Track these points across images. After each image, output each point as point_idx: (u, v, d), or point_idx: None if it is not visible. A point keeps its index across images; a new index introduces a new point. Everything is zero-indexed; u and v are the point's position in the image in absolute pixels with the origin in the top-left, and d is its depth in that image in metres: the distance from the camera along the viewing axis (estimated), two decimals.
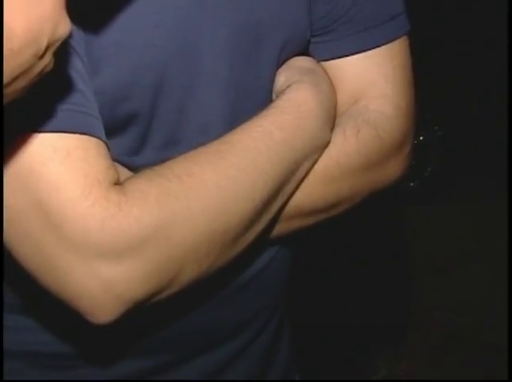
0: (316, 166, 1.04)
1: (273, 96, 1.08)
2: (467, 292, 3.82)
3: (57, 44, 0.68)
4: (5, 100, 0.68)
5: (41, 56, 0.67)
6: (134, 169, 0.98)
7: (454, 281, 3.90)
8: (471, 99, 4.60)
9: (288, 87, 1.05)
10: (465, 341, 3.51)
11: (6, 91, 0.66)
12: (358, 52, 1.10)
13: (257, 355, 1.22)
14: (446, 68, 4.49)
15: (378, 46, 1.10)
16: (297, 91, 1.04)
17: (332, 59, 1.11)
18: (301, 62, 1.10)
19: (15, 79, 0.66)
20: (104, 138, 0.90)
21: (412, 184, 4.53)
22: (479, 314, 3.65)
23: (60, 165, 0.85)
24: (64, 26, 0.68)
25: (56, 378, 1.11)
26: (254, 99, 1.06)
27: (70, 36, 0.88)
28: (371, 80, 1.10)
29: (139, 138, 1.01)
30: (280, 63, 1.08)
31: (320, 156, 1.04)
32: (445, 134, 4.57)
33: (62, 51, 0.87)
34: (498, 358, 3.38)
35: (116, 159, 0.93)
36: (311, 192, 1.05)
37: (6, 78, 0.65)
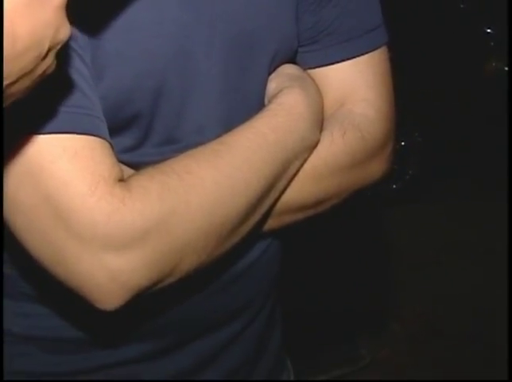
0: (305, 165, 1.05)
1: (266, 101, 1.09)
2: (445, 285, 3.83)
3: (58, 46, 0.69)
4: (9, 99, 0.69)
5: (43, 58, 0.68)
6: (134, 165, 0.98)
7: (432, 275, 3.91)
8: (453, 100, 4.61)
9: (279, 92, 1.06)
10: (442, 331, 3.53)
11: (11, 90, 0.67)
12: (342, 61, 1.11)
13: (250, 341, 1.22)
14: (427, 77, 4.50)
15: (360, 55, 1.11)
16: (288, 96, 1.05)
17: (318, 67, 1.12)
18: (290, 69, 1.11)
19: (19, 79, 0.67)
20: (109, 138, 0.91)
21: (394, 186, 4.54)
22: (455, 306, 3.67)
23: (69, 163, 0.86)
24: (65, 30, 0.69)
25: (64, 361, 1.11)
26: (247, 103, 1.07)
27: (77, 43, 0.89)
28: (354, 86, 1.11)
29: (139, 137, 1.01)
30: (271, 70, 1.09)
31: (309, 156, 1.05)
32: (424, 140, 4.58)
33: (69, 57, 0.88)
34: (472, 346, 3.40)
35: (117, 156, 0.93)
36: (300, 190, 1.06)
37: (11, 78, 0.66)
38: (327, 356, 3.28)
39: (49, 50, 0.68)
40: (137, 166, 0.98)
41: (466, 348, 3.39)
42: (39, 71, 0.69)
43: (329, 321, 3.41)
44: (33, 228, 0.88)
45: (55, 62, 0.71)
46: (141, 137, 1.01)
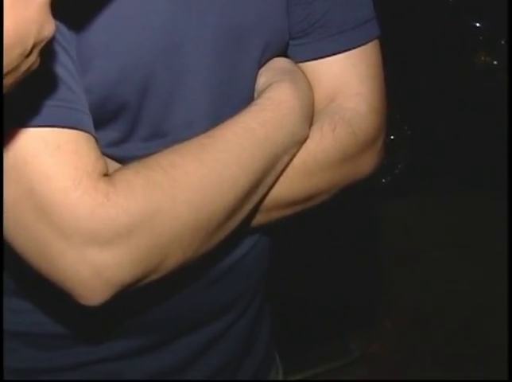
0: (294, 161, 1.03)
1: (255, 95, 1.07)
2: (436, 280, 3.84)
3: (43, 43, 0.69)
4: None
5: (28, 55, 0.67)
6: (121, 159, 0.97)
7: (422, 270, 3.91)
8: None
9: (269, 86, 1.04)
10: (432, 326, 3.53)
11: None
12: (333, 54, 1.09)
13: (238, 337, 1.21)
14: (417, 71, 4.49)
15: (352, 48, 1.09)
16: (278, 90, 1.03)
17: (309, 60, 1.10)
18: (281, 63, 1.09)
19: (3, 76, 0.66)
20: (93, 132, 0.89)
21: (384, 180, 4.54)
22: (446, 301, 3.67)
23: (52, 157, 0.84)
24: (49, 27, 0.68)
25: (49, 357, 1.09)
26: (236, 97, 1.05)
27: (62, 36, 0.87)
28: (346, 80, 1.09)
29: (126, 131, 0.99)
30: (261, 64, 1.07)
31: (298, 151, 1.03)
32: (413, 133, 4.58)
33: (54, 51, 0.86)
34: (462, 341, 3.41)
35: (103, 150, 0.92)
36: (289, 185, 1.04)
37: None
38: (317, 350, 3.28)
39: (34, 47, 0.68)
40: (123, 160, 0.96)
41: (456, 343, 3.39)
42: (23, 68, 0.68)
43: (319, 315, 3.40)
44: (16, 223, 0.87)
45: (39, 59, 0.70)
46: (128, 130, 1.00)
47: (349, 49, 1.09)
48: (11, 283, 1.06)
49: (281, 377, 1.37)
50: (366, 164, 1.10)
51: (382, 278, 3.77)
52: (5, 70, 0.66)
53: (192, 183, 0.90)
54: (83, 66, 0.91)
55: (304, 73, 1.09)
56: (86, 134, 0.87)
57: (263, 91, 1.04)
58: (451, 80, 4.57)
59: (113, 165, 0.95)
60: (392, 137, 4.48)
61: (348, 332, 3.42)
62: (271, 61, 1.09)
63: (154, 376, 1.13)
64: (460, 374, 3.17)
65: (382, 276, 3.79)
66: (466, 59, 4.58)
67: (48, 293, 0.93)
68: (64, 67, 0.88)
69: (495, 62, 4.54)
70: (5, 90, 0.69)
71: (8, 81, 0.68)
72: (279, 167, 1.01)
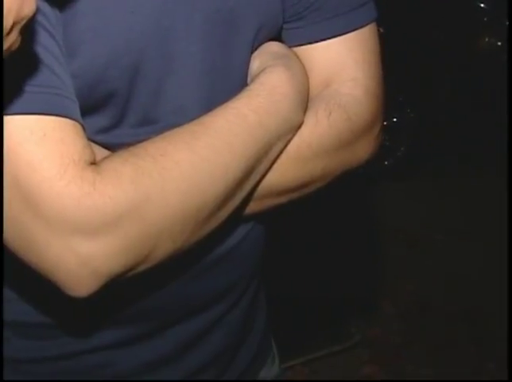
0: (288, 147, 1.01)
1: (248, 80, 1.05)
2: (436, 263, 3.83)
3: (23, 22, 0.67)
4: None
5: (8, 34, 0.66)
6: (110, 146, 0.95)
7: (424, 253, 3.91)
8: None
9: (262, 71, 1.02)
10: (433, 309, 3.53)
11: None
12: (329, 38, 1.07)
13: (233, 324, 1.19)
14: (420, 52, 4.46)
15: (348, 32, 1.07)
16: (271, 75, 1.01)
17: (304, 44, 1.08)
18: (275, 47, 1.07)
19: None
20: (80, 119, 0.87)
21: (386, 163, 4.52)
22: (447, 284, 3.67)
23: (37, 145, 0.82)
24: (30, 5, 0.67)
25: (40, 346, 1.08)
26: (229, 82, 1.03)
27: (47, 20, 0.85)
28: (342, 65, 1.07)
29: (116, 117, 0.98)
30: (254, 48, 1.05)
31: (292, 137, 1.01)
32: (417, 116, 4.56)
33: (39, 35, 0.84)
34: (459, 322, 3.41)
35: (93, 137, 0.90)
36: (283, 173, 1.02)
37: None
38: (317, 334, 3.27)
39: (14, 25, 0.66)
40: (113, 147, 0.94)
41: (457, 327, 3.39)
42: (4, 47, 0.66)
43: (319, 299, 3.40)
44: (2, 212, 0.84)
45: (19, 38, 0.69)
46: (118, 117, 0.98)
47: (345, 33, 1.06)
48: None
49: (276, 365, 1.36)
50: (362, 151, 1.08)
51: (383, 263, 3.76)
52: None
53: (181, 171, 0.88)
54: (71, 51, 0.89)
55: (298, 58, 1.07)
56: (72, 122, 0.85)
57: (257, 75, 1.02)
58: (455, 62, 4.54)
59: (102, 152, 0.93)
60: (394, 119, 4.46)
61: (349, 316, 3.41)
62: (264, 45, 1.06)
63: (147, 366, 1.12)
64: (460, 357, 3.18)
65: (383, 260, 3.78)
66: (470, 40, 4.55)
67: (36, 282, 0.92)
68: (50, 52, 0.85)
69: (499, 43, 4.51)
70: None
71: None
72: (272, 154, 0.99)
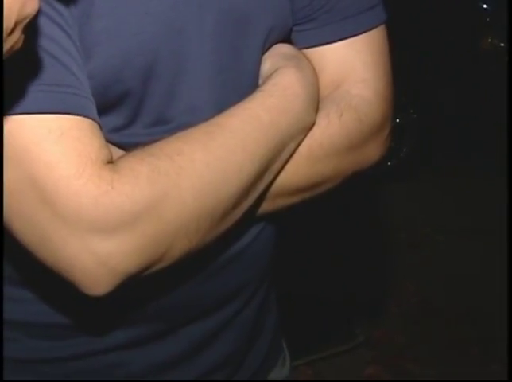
0: (300, 148, 1.02)
1: (260, 81, 1.06)
2: (441, 264, 3.84)
3: (25, 21, 0.67)
4: None
5: (10, 33, 0.65)
6: (123, 145, 0.96)
7: (428, 254, 3.91)
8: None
9: (274, 71, 1.03)
10: (438, 310, 3.53)
11: None
12: (338, 40, 1.08)
13: (245, 324, 1.20)
14: (423, 53, 4.47)
15: (358, 34, 1.08)
16: (283, 76, 1.02)
17: (314, 46, 1.09)
18: (285, 49, 1.08)
19: None
20: (97, 118, 0.88)
21: (389, 163, 4.52)
22: (451, 285, 3.67)
23: (55, 144, 0.83)
24: (32, 4, 0.66)
25: (50, 347, 1.09)
26: (240, 83, 1.04)
27: (64, 21, 0.86)
28: (352, 66, 1.08)
29: (129, 117, 0.98)
30: (265, 49, 1.06)
31: (304, 137, 1.02)
32: (419, 116, 4.56)
33: (57, 36, 0.85)
34: (462, 323, 3.41)
35: (106, 136, 0.91)
36: (295, 172, 1.03)
37: None
38: (320, 334, 3.28)
39: (16, 25, 0.66)
40: (126, 147, 0.95)
41: (460, 327, 3.39)
42: (6, 46, 0.66)
43: (322, 300, 3.40)
44: (19, 212, 0.86)
45: (22, 37, 0.69)
46: (131, 116, 0.99)
47: (354, 35, 1.07)
48: (12, 272, 1.05)
49: (287, 364, 1.37)
50: (373, 151, 1.09)
51: (387, 264, 3.77)
52: None
53: (197, 170, 0.89)
54: (86, 52, 0.90)
55: (308, 59, 1.08)
56: (90, 121, 0.86)
57: (268, 76, 1.03)
58: (459, 62, 4.55)
59: (116, 151, 0.94)
60: (398, 120, 4.47)
61: (353, 317, 3.42)
62: (275, 47, 1.07)
63: (160, 366, 1.12)
64: (464, 358, 3.18)
65: (387, 261, 3.79)
66: (473, 41, 4.55)
67: (50, 282, 0.93)
68: (68, 52, 0.87)
69: (502, 44, 4.52)
70: None
71: None
72: (285, 154, 1.00)
